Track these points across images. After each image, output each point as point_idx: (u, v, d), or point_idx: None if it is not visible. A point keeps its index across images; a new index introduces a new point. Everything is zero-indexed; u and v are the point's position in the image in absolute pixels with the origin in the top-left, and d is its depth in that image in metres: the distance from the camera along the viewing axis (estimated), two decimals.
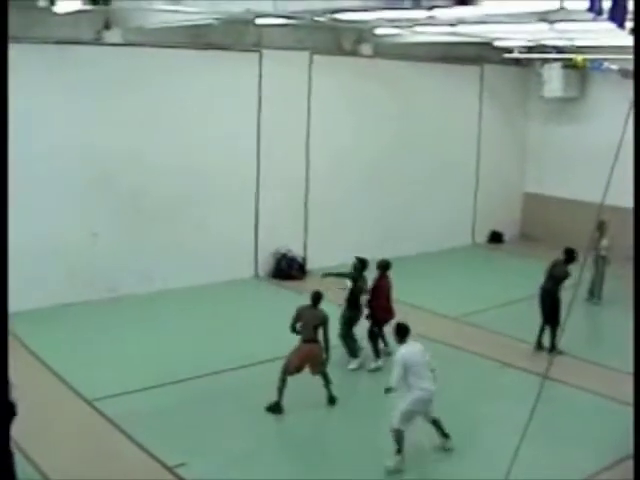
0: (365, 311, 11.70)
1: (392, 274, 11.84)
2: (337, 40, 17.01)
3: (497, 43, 16.39)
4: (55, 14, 10.65)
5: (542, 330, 12.37)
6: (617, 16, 6.04)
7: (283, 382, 9.83)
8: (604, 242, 14.95)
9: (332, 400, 10.14)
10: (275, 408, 9.81)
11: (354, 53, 17.22)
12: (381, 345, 11.84)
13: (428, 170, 19.05)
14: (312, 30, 15.91)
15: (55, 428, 9.31)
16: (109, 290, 14.39)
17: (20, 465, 7.82)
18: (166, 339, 12.59)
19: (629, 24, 6.23)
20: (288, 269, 16.49)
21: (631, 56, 6.12)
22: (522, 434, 6.86)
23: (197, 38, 14.79)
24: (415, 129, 18.66)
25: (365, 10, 11.04)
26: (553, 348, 11.77)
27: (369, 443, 9.20)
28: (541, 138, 20.80)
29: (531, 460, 8.08)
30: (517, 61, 19.61)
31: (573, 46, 15.91)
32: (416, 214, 18.87)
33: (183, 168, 15.13)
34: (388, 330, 11.37)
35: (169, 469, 8.40)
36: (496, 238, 20.95)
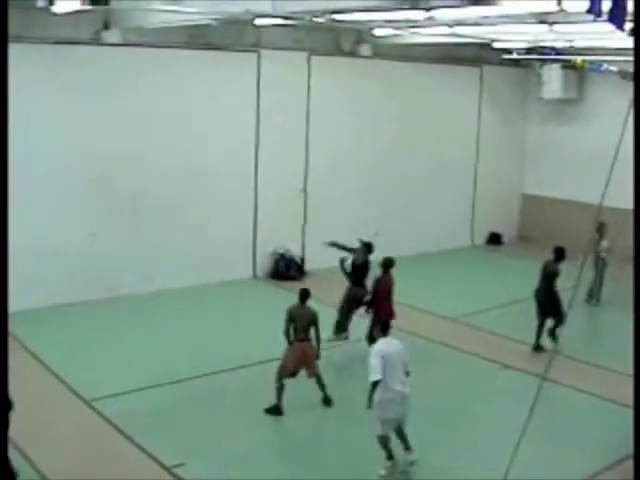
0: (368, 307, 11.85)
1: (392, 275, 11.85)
2: (336, 41, 17.02)
3: (496, 44, 16.40)
4: (54, 14, 10.64)
5: (540, 331, 12.38)
6: (616, 18, 6.05)
7: (281, 385, 9.83)
8: (604, 244, 14.95)
9: (327, 401, 10.12)
10: (274, 410, 9.80)
11: (353, 54, 17.23)
12: None
13: (427, 171, 19.05)
14: (311, 31, 15.91)
15: (54, 428, 9.30)
16: (108, 290, 14.39)
17: (19, 465, 7.83)
18: (165, 339, 12.59)
19: (628, 25, 6.24)
20: (286, 269, 16.49)
21: (630, 58, 6.13)
22: (521, 434, 6.86)
23: (196, 38, 14.79)
24: (414, 130, 18.66)
25: (364, 10, 11.07)
26: (553, 334, 11.89)
27: (368, 444, 9.15)
28: (540, 139, 20.81)
29: (530, 460, 8.09)
30: (516, 62, 19.61)
31: (572, 47, 15.93)
32: (415, 215, 18.87)
33: (182, 168, 15.12)
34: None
35: (167, 469, 8.39)
36: (495, 239, 20.96)
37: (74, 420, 9.62)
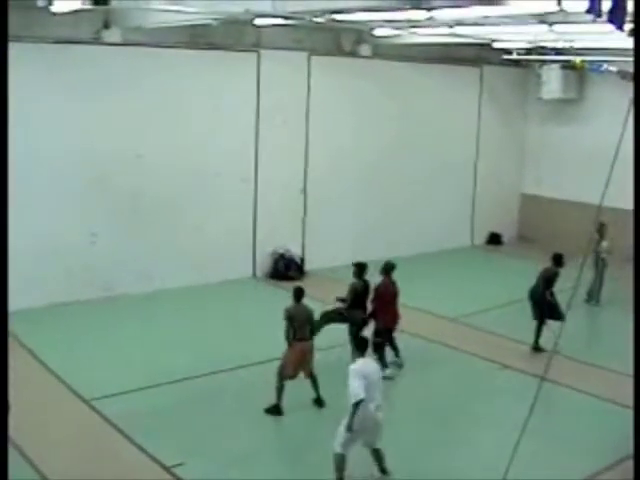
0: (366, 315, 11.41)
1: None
2: (336, 41, 17.02)
3: (496, 44, 16.40)
4: (54, 14, 10.63)
5: (539, 332, 12.37)
6: (616, 18, 6.05)
7: (281, 386, 9.83)
8: (604, 244, 14.95)
9: (319, 402, 10.08)
10: (274, 410, 9.80)
11: (353, 54, 17.23)
12: (389, 358, 11.51)
13: (427, 171, 19.05)
14: (311, 31, 15.91)
15: (53, 428, 9.30)
16: (107, 290, 14.39)
17: (17, 465, 7.83)
18: (164, 339, 12.58)
19: (628, 26, 6.24)
20: (286, 269, 16.48)
21: (630, 58, 6.13)
22: (520, 434, 6.87)
23: (196, 38, 14.79)
24: (414, 130, 18.66)
25: (364, 10, 11.06)
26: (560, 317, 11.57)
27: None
28: (540, 139, 20.81)
29: (530, 460, 8.11)
30: (516, 62, 19.61)
31: (572, 48, 15.93)
32: (415, 215, 18.87)
33: (182, 168, 15.12)
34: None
35: (167, 469, 8.39)
36: (495, 239, 20.96)
37: (74, 420, 9.62)
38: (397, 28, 14.32)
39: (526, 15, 11.00)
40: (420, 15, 10.59)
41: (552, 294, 12.27)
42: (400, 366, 11.62)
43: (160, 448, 8.76)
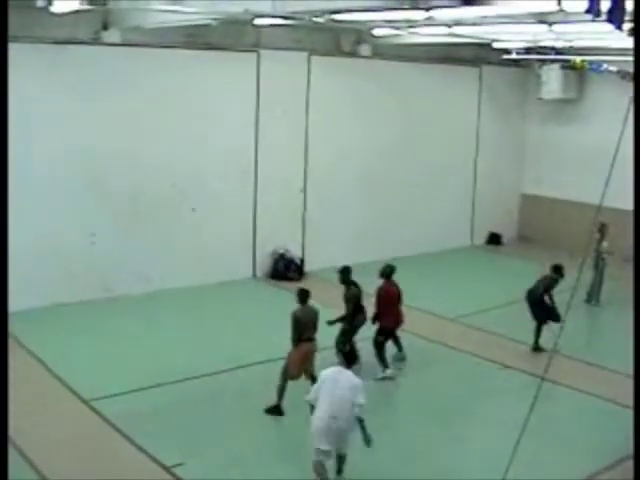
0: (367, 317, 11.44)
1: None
2: (336, 41, 17.01)
3: (496, 44, 16.40)
4: (53, 14, 10.64)
5: (538, 332, 12.37)
6: (615, 18, 6.06)
7: (284, 386, 9.82)
8: (604, 244, 14.95)
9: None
10: (275, 411, 9.79)
11: (353, 54, 17.22)
12: (390, 353, 11.60)
13: (426, 171, 19.05)
14: (311, 31, 15.91)
15: (53, 428, 9.29)
16: (107, 290, 14.38)
17: (17, 465, 7.83)
18: (164, 339, 12.58)
19: (627, 25, 6.24)
20: (285, 270, 16.48)
21: (630, 58, 6.14)
22: (520, 434, 6.87)
23: (195, 38, 14.78)
24: (414, 130, 18.66)
25: (364, 10, 11.06)
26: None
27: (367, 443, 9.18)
28: (539, 139, 20.80)
29: (530, 460, 8.10)
30: (516, 62, 19.61)
31: (572, 47, 15.93)
32: (414, 215, 18.86)
33: (181, 168, 15.12)
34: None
35: (167, 469, 8.39)
36: (494, 240, 20.95)
37: (73, 420, 9.61)
38: (396, 28, 14.32)
39: (525, 15, 11.00)
40: (419, 15, 10.59)
41: (551, 297, 12.28)
42: (403, 359, 11.73)
43: (160, 448, 8.76)
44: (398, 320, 11.48)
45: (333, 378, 7.83)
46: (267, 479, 8.42)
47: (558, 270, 12.46)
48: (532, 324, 12.40)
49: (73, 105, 13.66)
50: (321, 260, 16.58)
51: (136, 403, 10.15)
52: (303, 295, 9.97)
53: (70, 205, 13.93)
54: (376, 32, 15.15)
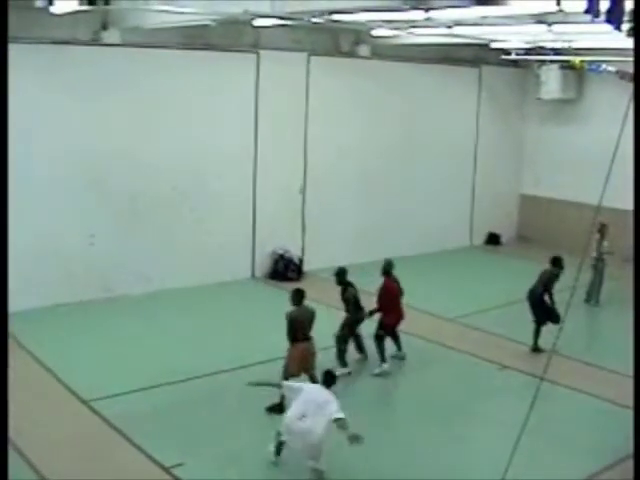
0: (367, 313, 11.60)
1: None
2: (335, 41, 17.03)
3: (495, 45, 16.41)
4: (52, 14, 10.64)
5: (537, 333, 12.37)
6: (614, 18, 6.06)
7: None
8: (605, 244, 14.95)
9: None
10: (276, 409, 9.78)
11: (352, 54, 17.24)
12: (389, 352, 11.67)
13: (425, 171, 19.07)
14: (310, 31, 15.92)
15: (53, 428, 9.29)
16: (107, 290, 14.39)
17: (17, 465, 7.83)
18: (163, 339, 12.58)
19: (626, 26, 6.25)
20: (285, 270, 16.49)
21: (629, 58, 6.14)
22: (520, 434, 6.87)
23: (195, 39, 14.79)
24: (413, 130, 18.67)
25: (364, 11, 11.06)
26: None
27: (367, 444, 9.17)
28: (538, 140, 20.81)
29: (530, 460, 8.11)
30: (515, 63, 19.63)
31: (571, 48, 15.93)
32: (413, 215, 18.88)
33: (181, 169, 15.13)
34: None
35: (166, 469, 8.39)
36: (493, 240, 20.97)
37: (73, 420, 9.61)
38: (395, 28, 14.32)
39: (525, 15, 11.01)
40: (418, 15, 10.60)
41: (551, 297, 12.27)
42: (402, 358, 11.80)
43: (160, 448, 8.76)
44: (399, 316, 11.59)
45: (310, 392, 8.09)
46: (266, 479, 8.41)
47: (557, 262, 12.39)
48: (531, 324, 12.40)
49: (73, 105, 13.67)
50: (320, 260, 16.58)
51: (136, 403, 10.16)
52: (298, 296, 9.98)
53: (70, 205, 13.94)
54: (375, 32, 15.15)
